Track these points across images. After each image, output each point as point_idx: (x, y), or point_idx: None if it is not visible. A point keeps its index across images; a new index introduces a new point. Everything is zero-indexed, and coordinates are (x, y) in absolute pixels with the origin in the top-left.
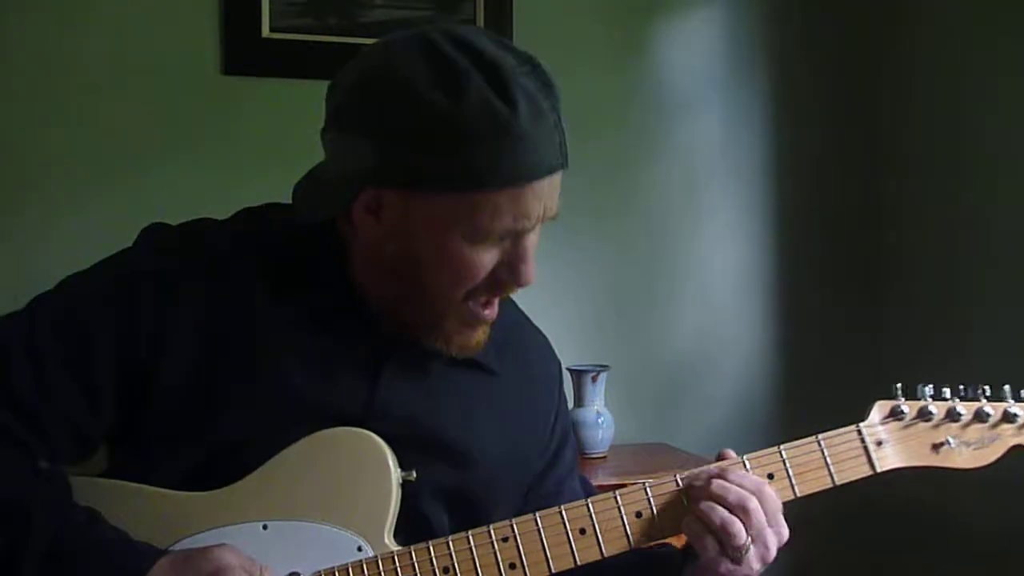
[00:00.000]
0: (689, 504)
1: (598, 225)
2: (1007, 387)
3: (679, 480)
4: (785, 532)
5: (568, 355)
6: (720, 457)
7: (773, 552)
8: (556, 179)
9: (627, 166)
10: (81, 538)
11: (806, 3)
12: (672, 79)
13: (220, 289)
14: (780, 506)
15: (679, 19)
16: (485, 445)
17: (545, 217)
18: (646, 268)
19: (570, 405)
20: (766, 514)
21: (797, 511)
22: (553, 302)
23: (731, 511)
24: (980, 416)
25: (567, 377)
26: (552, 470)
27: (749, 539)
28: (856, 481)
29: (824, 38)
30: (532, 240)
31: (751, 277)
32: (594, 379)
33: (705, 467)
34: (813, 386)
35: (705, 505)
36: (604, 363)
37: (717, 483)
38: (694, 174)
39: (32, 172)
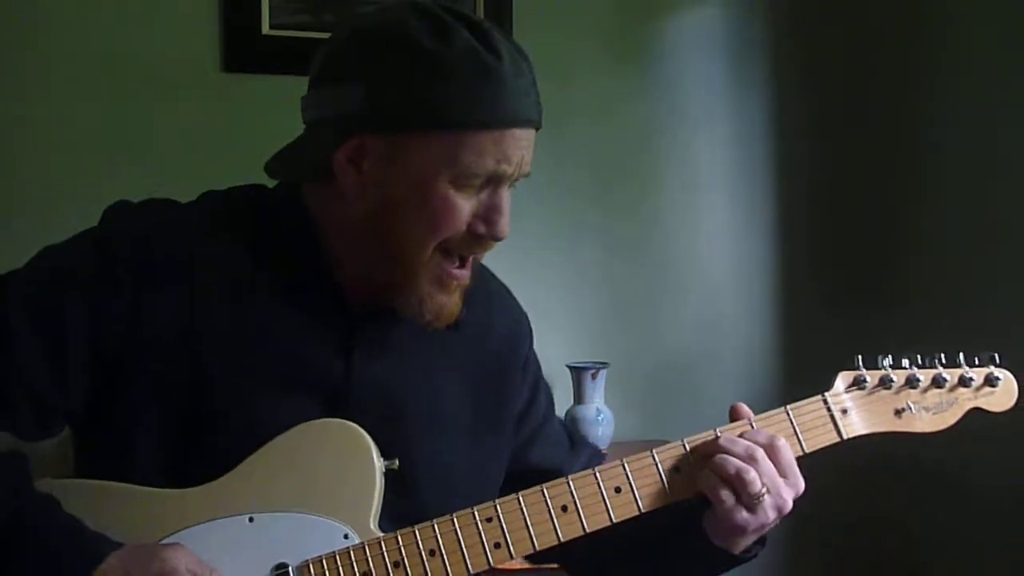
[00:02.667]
0: (700, 460)
1: (598, 224)
2: (961, 354)
3: (655, 454)
4: (801, 484)
5: (568, 352)
6: (733, 411)
7: (789, 502)
8: (532, 135)
9: (627, 165)
10: (36, 524)
11: (807, 4)
12: (673, 79)
13: (194, 269)
14: (793, 458)
15: (679, 20)
16: (458, 409)
17: (521, 172)
18: (646, 266)
19: (570, 402)
20: (779, 465)
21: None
22: (553, 300)
23: (742, 461)
24: (937, 381)
25: (567, 374)
26: (526, 420)
27: (764, 487)
28: (825, 448)
29: (825, 38)
30: (506, 196)
31: (751, 275)
32: (594, 376)
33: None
34: (813, 384)
35: (718, 457)
36: (604, 360)
37: (725, 437)
38: (695, 172)
39: (31, 170)
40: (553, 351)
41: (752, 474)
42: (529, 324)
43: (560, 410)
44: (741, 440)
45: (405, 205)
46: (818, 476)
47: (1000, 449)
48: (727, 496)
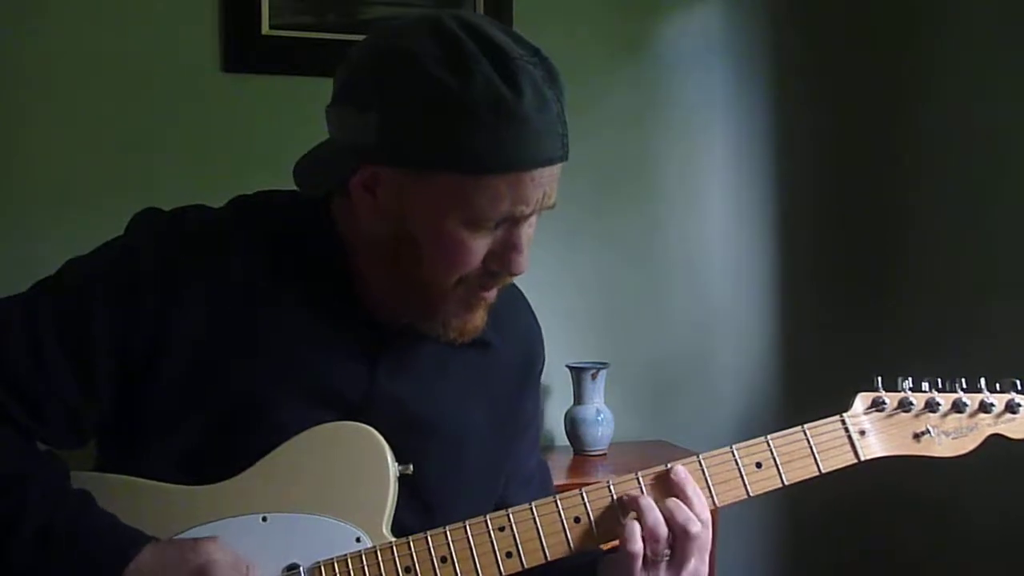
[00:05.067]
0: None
1: (598, 223)
2: (983, 379)
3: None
4: (704, 571)
5: (568, 352)
6: None
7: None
8: (556, 169)
9: (627, 163)
10: (72, 520)
11: (808, 3)
12: (672, 76)
13: (220, 277)
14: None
15: (679, 16)
16: (479, 426)
17: (543, 206)
18: (645, 266)
19: (570, 402)
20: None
21: (797, 504)
22: (553, 300)
23: (670, 527)
24: (958, 406)
25: (567, 374)
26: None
27: (668, 551)
28: (841, 470)
29: (826, 38)
30: (527, 231)
31: (750, 274)
32: (594, 376)
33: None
34: (813, 383)
35: (643, 501)
36: (604, 360)
37: (673, 501)
38: (695, 172)
39: (31, 170)
40: (553, 351)
41: (663, 530)
42: (542, 342)
43: (560, 410)
44: (684, 510)
45: (419, 240)
46: (814, 509)
47: (997, 482)
48: (638, 546)
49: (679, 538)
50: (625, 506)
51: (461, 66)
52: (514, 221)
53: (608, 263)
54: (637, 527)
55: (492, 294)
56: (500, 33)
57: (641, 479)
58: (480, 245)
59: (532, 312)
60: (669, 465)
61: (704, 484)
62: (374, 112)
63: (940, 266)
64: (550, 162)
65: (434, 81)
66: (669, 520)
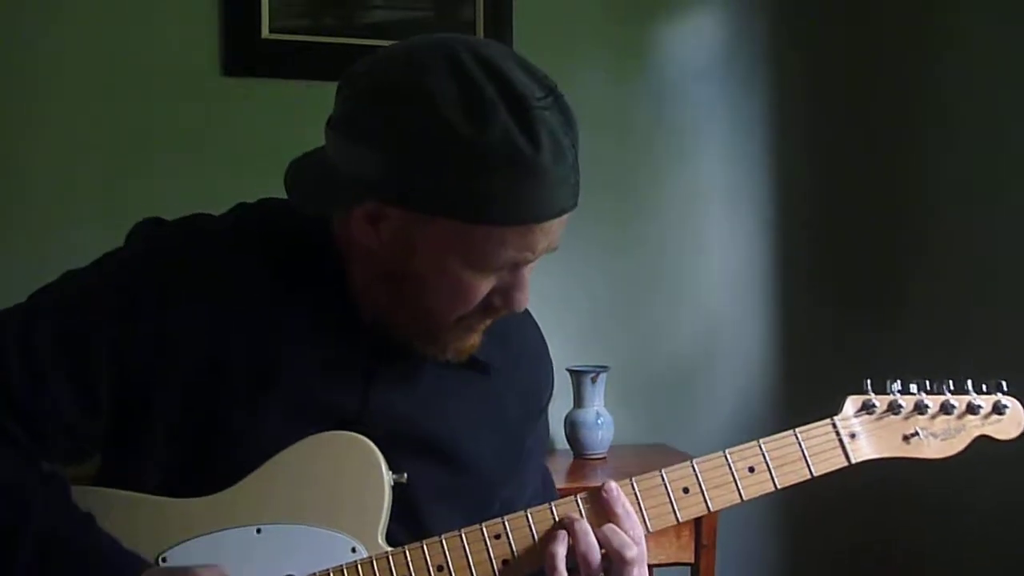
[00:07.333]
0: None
1: (598, 226)
2: (969, 381)
3: (663, 474)
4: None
5: (568, 356)
6: None
7: None
8: (565, 218)
9: (627, 168)
10: (73, 540)
11: (808, 6)
12: (673, 82)
13: (219, 290)
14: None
15: (680, 22)
16: (477, 445)
17: (548, 250)
18: (646, 269)
19: (570, 406)
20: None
21: (795, 499)
22: (553, 303)
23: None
24: (946, 408)
25: (567, 378)
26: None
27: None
28: (833, 472)
29: (826, 42)
30: (528, 270)
31: (751, 278)
32: (594, 380)
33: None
34: (812, 387)
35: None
36: (604, 364)
37: (608, 527)
38: (695, 176)
39: (32, 172)
40: (553, 354)
41: (596, 555)
42: (552, 369)
43: (560, 414)
44: (621, 535)
45: (422, 276)
46: (812, 503)
47: (993, 474)
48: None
49: (615, 563)
50: (565, 528)
51: (479, 114)
52: (518, 265)
53: (610, 266)
54: (562, 552)
55: (490, 319)
56: (517, 70)
57: (634, 483)
58: (483, 285)
59: (543, 337)
60: (602, 483)
61: (698, 489)
62: (382, 149)
63: (941, 270)
64: (562, 212)
65: (451, 129)
66: (604, 545)
